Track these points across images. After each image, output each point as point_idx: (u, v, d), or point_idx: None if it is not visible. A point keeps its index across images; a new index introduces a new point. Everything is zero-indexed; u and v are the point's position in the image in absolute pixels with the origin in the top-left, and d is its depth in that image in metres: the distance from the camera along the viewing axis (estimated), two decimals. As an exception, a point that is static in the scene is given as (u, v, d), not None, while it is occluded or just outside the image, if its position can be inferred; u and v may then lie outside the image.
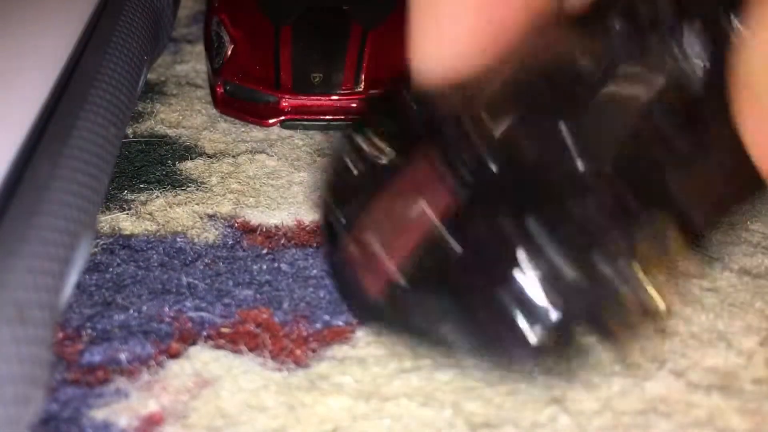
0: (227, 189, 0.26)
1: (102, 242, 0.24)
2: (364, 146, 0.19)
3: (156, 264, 0.23)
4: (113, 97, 0.23)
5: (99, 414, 0.19)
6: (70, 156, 0.21)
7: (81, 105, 0.22)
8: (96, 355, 0.20)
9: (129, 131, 0.29)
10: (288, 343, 0.21)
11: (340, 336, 0.21)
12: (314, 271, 0.23)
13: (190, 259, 0.24)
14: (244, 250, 0.24)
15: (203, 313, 0.22)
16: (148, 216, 0.25)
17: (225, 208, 0.26)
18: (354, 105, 0.28)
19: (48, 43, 0.24)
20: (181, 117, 0.30)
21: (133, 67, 0.25)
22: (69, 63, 0.23)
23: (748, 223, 0.25)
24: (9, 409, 0.17)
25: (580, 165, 0.18)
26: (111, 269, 0.23)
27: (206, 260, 0.23)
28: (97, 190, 0.22)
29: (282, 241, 0.24)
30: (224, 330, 0.21)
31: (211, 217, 0.25)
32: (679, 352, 0.21)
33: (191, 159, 0.28)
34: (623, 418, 0.19)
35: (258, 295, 0.22)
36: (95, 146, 0.22)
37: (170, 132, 0.29)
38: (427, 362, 0.20)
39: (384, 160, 0.19)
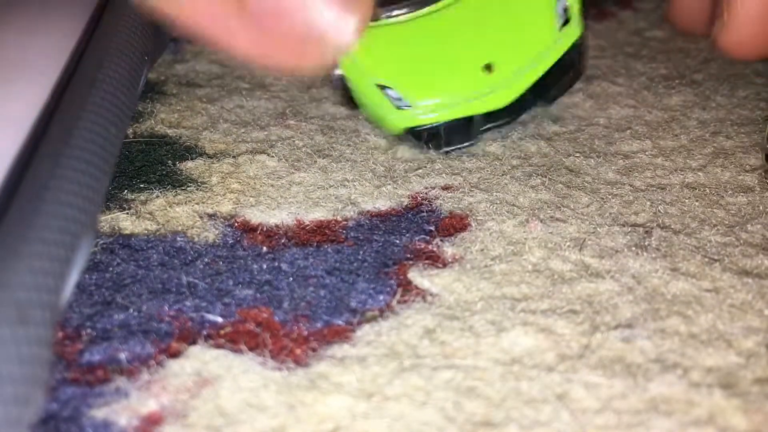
0: (227, 189, 0.26)
1: (102, 242, 0.24)
2: None
3: (156, 263, 0.23)
4: (113, 97, 0.23)
5: (99, 413, 0.19)
6: (70, 156, 0.21)
7: (81, 105, 0.22)
8: (96, 355, 0.20)
9: (129, 131, 0.29)
10: (288, 343, 0.21)
11: (340, 335, 0.21)
12: (314, 271, 0.23)
13: (190, 258, 0.24)
14: (244, 250, 0.24)
15: (203, 313, 0.22)
16: (148, 215, 0.25)
17: (225, 207, 0.26)
18: None
19: (48, 43, 0.24)
20: (181, 117, 0.30)
21: (133, 67, 0.25)
22: (69, 63, 0.23)
23: (748, 224, 0.25)
24: (9, 408, 0.17)
25: None
26: (111, 268, 0.23)
27: (206, 260, 0.23)
28: (98, 190, 0.22)
29: (282, 241, 0.24)
30: (224, 329, 0.21)
31: (211, 216, 0.25)
32: (680, 352, 0.21)
33: (191, 159, 0.28)
34: (624, 417, 0.19)
35: (258, 295, 0.22)
36: (95, 146, 0.22)
37: (170, 132, 0.29)
38: (428, 361, 0.20)
39: None
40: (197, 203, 0.26)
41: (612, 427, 0.19)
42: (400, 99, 0.27)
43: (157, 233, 0.24)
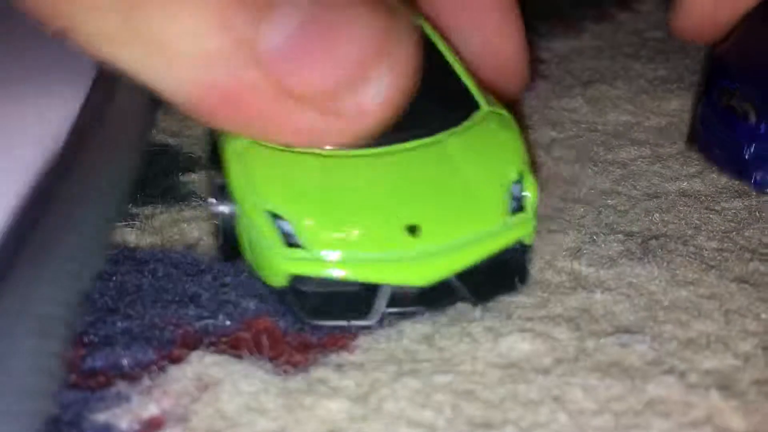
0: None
1: (107, 253, 0.24)
2: None
3: (161, 275, 0.23)
4: (135, 113, 0.24)
5: (100, 417, 0.19)
6: (94, 175, 0.21)
7: (108, 119, 0.23)
8: (98, 360, 0.20)
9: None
10: (288, 349, 0.21)
11: (339, 343, 0.21)
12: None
13: (194, 272, 0.23)
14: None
15: (206, 321, 0.22)
16: (153, 230, 0.25)
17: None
18: None
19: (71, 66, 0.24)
20: (182, 125, 0.30)
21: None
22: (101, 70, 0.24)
23: (744, 230, 0.25)
24: (22, 421, 0.17)
25: None
26: (115, 278, 0.23)
27: (211, 274, 0.23)
28: (110, 205, 0.22)
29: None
30: (226, 338, 0.21)
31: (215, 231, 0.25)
32: (678, 356, 0.21)
33: (194, 171, 0.28)
34: (622, 419, 0.19)
35: (262, 305, 0.22)
36: (117, 165, 0.22)
37: (171, 141, 0.29)
38: (426, 366, 0.20)
39: None
40: (203, 220, 0.26)
41: (610, 428, 0.19)
42: (291, 236, 0.21)
43: (163, 248, 0.24)
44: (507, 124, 0.24)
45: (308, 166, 0.21)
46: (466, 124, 0.23)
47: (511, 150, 0.23)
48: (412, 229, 0.21)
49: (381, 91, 0.19)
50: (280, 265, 0.21)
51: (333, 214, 0.21)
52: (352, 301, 0.21)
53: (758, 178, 0.26)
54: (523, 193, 0.22)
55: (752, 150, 0.26)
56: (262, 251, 0.21)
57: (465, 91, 0.24)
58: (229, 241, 0.23)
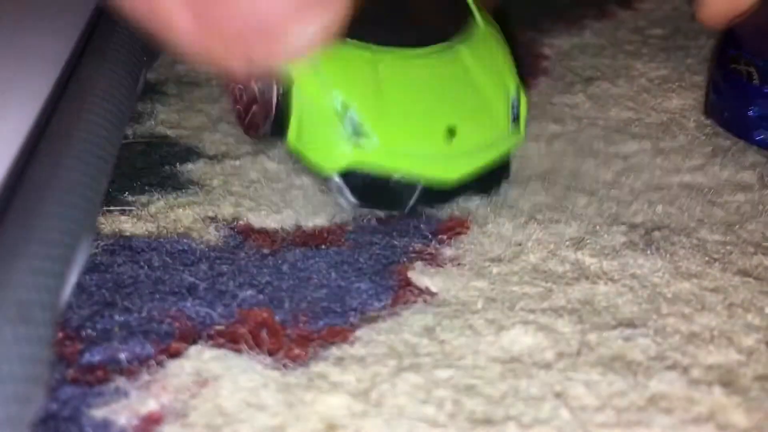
0: (228, 191, 0.26)
1: (103, 243, 0.24)
2: None
3: (157, 265, 0.23)
4: (112, 98, 0.24)
5: (98, 413, 0.19)
6: (70, 156, 0.21)
7: (80, 105, 0.22)
8: (96, 355, 0.20)
9: (129, 132, 0.29)
10: (287, 342, 0.21)
11: (339, 335, 0.21)
12: (315, 272, 0.23)
13: (191, 260, 0.23)
14: (245, 252, 0.24)
15: (204, 314, 0.22)
16: (149, 218, 0.25)
17: (226, 210, 0.26)
18: None
19: (48, 44, 0.24)
20: (181, 117, 0.30)
21: (132, 68, 0.25)
22: (69, 63, 0.23)
23: (747, 223, 0.25)
24: (10, 407, 0.17)
25: None
26: (112, 269, 0.23)
27: (208, 262, 0.23)
28: (97, 191, 0.22)
29: (283, 243, 0.24)
30: (224, 329, 0.21)
31: (212, 219, 0.25)
32: (681, 350, 0.21)
33: (192, 161, 0.28)
34: (624, 415, 0.19)
35: (259, 296, 0.22)
36: (95, 146, 0.22)
37: (170, 133, 0.29)
38: (427, 360, 0.20)
39: None
40: (198, 206, 0.26)
41: (612, 424, 0.19)
42: (358, 126, 0.24)
43: (159, 236, 0.24)
44: (500, 40, 0.26)
45: (371, 65, 0.24)
46: (470, 35, 0.26)
47: (507, 65, 0.26)
48: (451, 132, 0.24)
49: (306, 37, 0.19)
50: (337, 158, 0.24)
51: (393, 112, 0.24)
52: (386, 190, 0.25)
53: (761, 136, 0.28)
54: (517, 101, 0.26)
55: (756, 109, 0.28)
56: (321, 141, 0.24)
57: (465, 4, 0.27)
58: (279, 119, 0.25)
